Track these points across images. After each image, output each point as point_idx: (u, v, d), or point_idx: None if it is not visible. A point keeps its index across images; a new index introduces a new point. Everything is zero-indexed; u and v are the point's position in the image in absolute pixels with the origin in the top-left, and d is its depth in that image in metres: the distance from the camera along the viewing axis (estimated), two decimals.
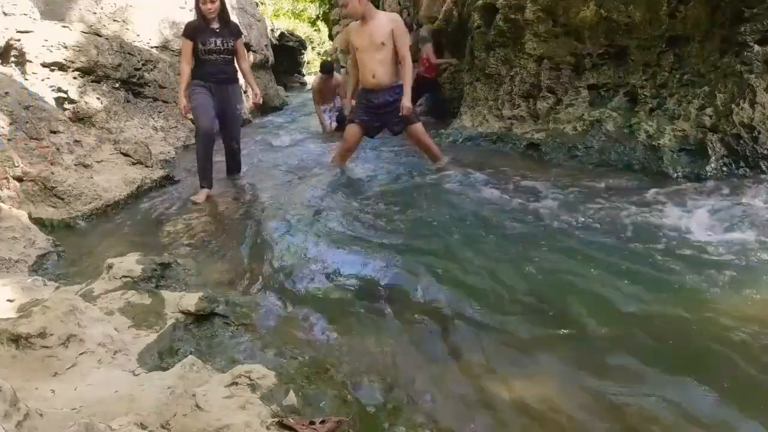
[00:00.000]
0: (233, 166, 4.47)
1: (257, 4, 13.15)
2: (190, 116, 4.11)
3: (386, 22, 3.90)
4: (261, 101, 4.53)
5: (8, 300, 2.09)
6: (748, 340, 1.74)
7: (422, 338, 1.90)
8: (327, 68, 7.05)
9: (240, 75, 4.25)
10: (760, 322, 1.84)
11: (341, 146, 4.38)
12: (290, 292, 2.30)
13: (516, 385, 1.59)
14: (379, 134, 4.41)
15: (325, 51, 24.09)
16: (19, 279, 2.34)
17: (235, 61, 4.11)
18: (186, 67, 3.90)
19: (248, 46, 9.74)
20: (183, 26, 4.11)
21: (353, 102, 4.39)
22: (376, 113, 4.08)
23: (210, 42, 3.86)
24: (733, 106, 3.57)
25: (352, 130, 4.19)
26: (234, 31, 4.02)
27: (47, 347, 1.49)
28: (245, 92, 9.32)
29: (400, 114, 3.92)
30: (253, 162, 5.26)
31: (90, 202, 3.46)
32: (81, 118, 4.25)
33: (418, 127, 4.11)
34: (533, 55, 4.92)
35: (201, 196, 3.80)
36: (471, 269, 2.44)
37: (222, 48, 3.91)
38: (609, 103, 4.45)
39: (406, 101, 3.90)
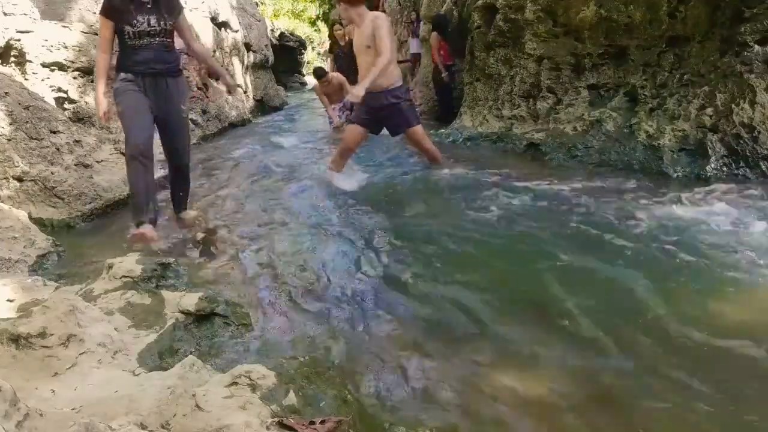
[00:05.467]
0: (178, 196, 3.29)
1: (257, 4, 13.17)
2: (114, 123, 3.24)
3: (369, 23, 3.78)
4: (235, 90, 3.42)
5: (8, 300, 2.10)
6: (749, 338, 1.75)
7: (422, 338, 1.89)
8: (318, 74, 7.03)
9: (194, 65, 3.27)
10: (760, 321, 1.84)
11: (341, 146, 4.37)
12: (290, 292, 2.30)
13: (516, 384, 1.59)
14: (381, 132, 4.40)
15: (325, 51, 24.09)
16: (19, 279, 2.34)
17: (183, 42, 3.11)
18: (104, 58, 2.86)
19: (248, 47, 9.75)
20: None
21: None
22: (375, 115, 4.08)
23: (140, 21, 2.82)
24: (733, 106, 3.57)
25: (352, 130, 4.18)
26: (172, 5, 2.97)
27: (47, 347, 1.49)
28: (242, 88, 9.36)
29: (351, 102, 3.74)
30: (253, 163, 5.26)
31: (90, 202, 3.46)
32: (81, 118, 4.24)
33: (418, 129, 4.08)
34: (533, 55, 4.92)
35: (142, 232, 2.76)
36: (471, 269, 2.44)
37: (158, 28, 2.87)
38: (609, 103, 4.45)
39: (357, 89, 3.72)
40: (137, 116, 2.85)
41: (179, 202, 3.32)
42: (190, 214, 3.39)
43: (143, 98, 2.88)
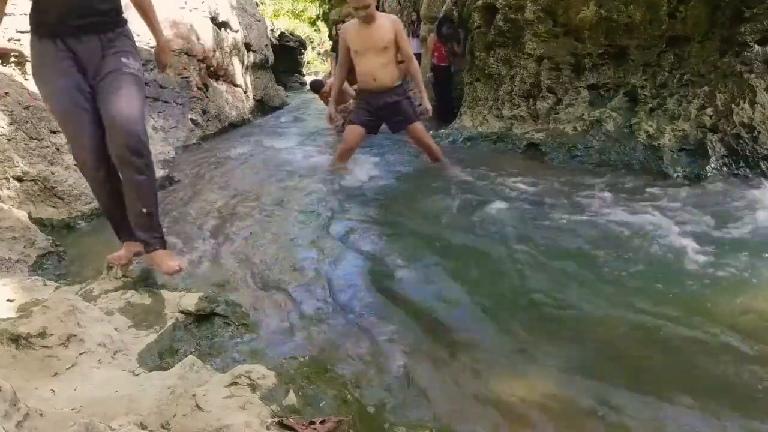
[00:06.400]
0: (140, 214, 2.05)
1: (257, 4, 13.17)
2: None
3: (388, 25, 3.85)
4: (167, 61, 2.33)
5: (8, 300, 2.10)
6: (746, 341, 1.74)
7: (422, 338, 1.89)
8: (315, 88, 7.05)
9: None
10: (758, 323, 1.84)
11: (341, 147, 4.38)
12: (290, 292, 2.30)
13: (516, 385, 1.59)
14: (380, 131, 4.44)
15: (326, 51, 24.09)
16: (19, 279, 2.34)
17: None
18: None
19: (248, 47, 9.75)
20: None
21: (351, 102, 4.40)
22: (376, 114, 4.10)
23: None
24: (733, 106, 3.56)
25: (352, 130, 4.20)
26: None
27: (47, 347, 1.49)
28: (242, 88, 9.34)
29: (421, 116, 4.00)
30: (253, 163, 5.26)
31: (90, 202, 3.45)
32: None
33: (418, 126, 4.12)
34: (533, 55, 4.92)
35: (122, 253, 2.20)
36: (471, 270, 2.44)
37: None
38: (609, 103, 4.45)
39: (427, 104, 4.06)
40: (74, 116, 1.98)
41: (143, 227, 2.09)
42: (165, 260, 2.09)
43: (71, 77, 1.97)
